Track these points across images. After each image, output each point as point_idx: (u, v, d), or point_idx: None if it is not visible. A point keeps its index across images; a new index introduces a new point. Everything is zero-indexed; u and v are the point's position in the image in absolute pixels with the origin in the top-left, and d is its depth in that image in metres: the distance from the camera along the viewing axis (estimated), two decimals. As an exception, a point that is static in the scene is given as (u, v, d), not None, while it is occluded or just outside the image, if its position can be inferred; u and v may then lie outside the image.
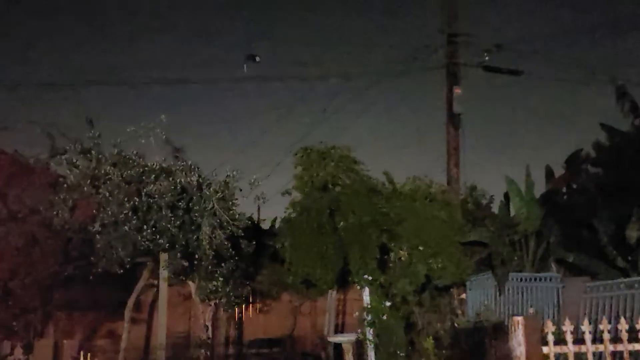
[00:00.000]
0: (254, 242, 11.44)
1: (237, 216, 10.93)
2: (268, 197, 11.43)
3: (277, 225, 14.73)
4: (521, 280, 12.80)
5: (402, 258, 11.77)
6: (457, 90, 14.13)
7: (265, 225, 17.98)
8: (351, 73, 15.04)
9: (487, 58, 14.26)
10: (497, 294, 13.00)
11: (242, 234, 10.95)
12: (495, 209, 15.31)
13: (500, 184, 14.30)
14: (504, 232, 12.93)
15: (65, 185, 10.22)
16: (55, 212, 9.85)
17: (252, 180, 11.04)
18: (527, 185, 13.68)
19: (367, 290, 11.93)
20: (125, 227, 10.05)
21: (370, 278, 11.62)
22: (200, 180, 10.80)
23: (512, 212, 14.05)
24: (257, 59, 13.72)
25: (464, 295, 13.13)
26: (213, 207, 10.64)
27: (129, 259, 10.26)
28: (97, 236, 10.17)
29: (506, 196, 14.08)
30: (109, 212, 10.06)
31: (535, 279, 12.68)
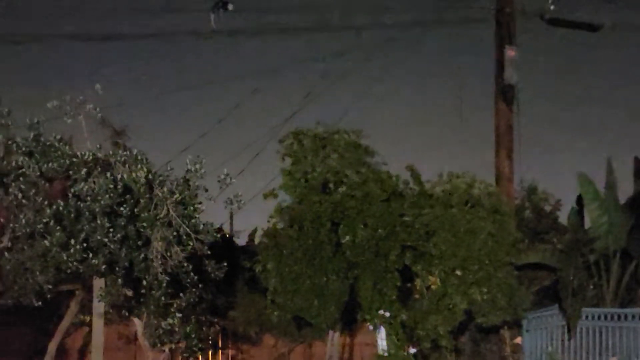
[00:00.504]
0: (226, 264, 11.29)
1: (201, 227, 10.87)
2: (244, 200, 11.24)
3: (257, 240, 14.86)
4: (600, 318, 13.06)
5: (433, 287, 12.01)
6: (511, 52, 14.41)
7: (241, 240, 18.25)
8: (362, 25, 15.24)
9: (552, 7, 14.51)
10: (566, 337, 13.23)
11: (209, 252, 10.92)
12: (563, 218, 15.55)
13: (570, 184, 14.50)
14: (575, 251, 13.19)
15: (-40, 183, 10.33)
16: (-54, 222, 9.96)
17: (222, 177, 10.91)
18: (608, 186, 13.94)
19: (383, 332, 12.13)
20: (46, 242, 10.04)
21: (387, 314, 11.86)
22: (150, 176, 10.76)
23: (588, 224, 14.28)
24: (230, 6, 13.96)
25: (519, 340, 13.34)
26: (168, 214, 10.64)
27: (50, 287, 10.27)
28: (6, 254, 10.21)
29: (579, 201, 14.32)
30: (23, 221, 10.06)
31: (620, 317, 12.93)
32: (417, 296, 12.47)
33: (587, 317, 13.10)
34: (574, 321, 12.90)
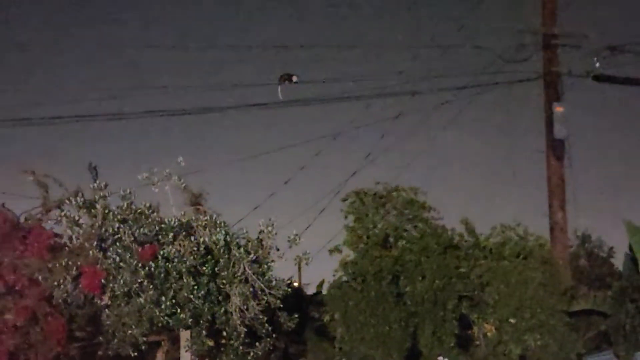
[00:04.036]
0: (296, 315, 12.26)
1: (274, 282, 11.85)
2: (311, 254, 12.24)
3: (324, 291, 15.76)
4: (654, 361, 13.74)
5: (489, 334, 13.04)
6: (559, 109, 15.38)
7: (310, 290, 19.28)
8: (416, 88, 16.47)
9: (597, 65, 15.51)
10: (624, 381, 13.94)
11: (281, 305, 11.85)
12: (619, 264, 16.33)
13: (624, 232, 15.36)
14: (626, 296, 13.94)
15: (66, 248, 11.56)
16: (56, 283, 11.08)
17: (292, 237, 12.00)
18: (657, 233, 14.73)
19: (443, 377, 13.16)
20: (140, 300, 11.09)
21: (446, 360, 12.93)
22: (228, 238, 11.81)
23: (642, 269, 15.01)
24: (295, 78, 15.39)
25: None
26: (244, 271, 11.63)
27: (144, 339, 11.26)
28: (107, 311, 11.31)
29: (632, 248, 15.12)
30: (121, 281, 11.13)
31: (675, 361, 13.60)
32: (477, 342, 13.51)
33: (641, 360, 13.77)
34: (626, 364, 13.63)
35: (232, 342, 11.84)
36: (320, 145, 17.46)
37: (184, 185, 12.27)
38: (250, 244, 12.10)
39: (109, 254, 11.54)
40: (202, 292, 11.53)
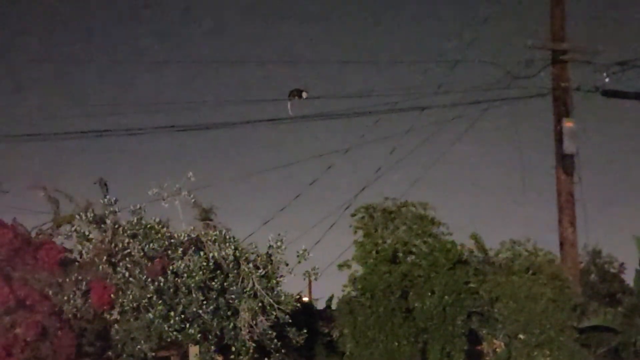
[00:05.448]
0: (305, 331, 12.35)
1: (282, 298, 11.96)
2: (320, 270, 12.33)
3: (333, 306, 15.73)
4: (666, 379, 13.67)
5: (498, 350, 13.03)
6: (569, 124, 15.37)
7: (320, 305, 19.32)
8: (426, 103, 16.55)
9: (607, 80, 15.53)
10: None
11: (290, 320, 11.97)
12: (630, 280, 16.29)
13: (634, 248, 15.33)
14: (637, 312, 13.92)
15: (76, 263, 11.72)
16: (65, 298, 11.20)
17: (301, 252, 12.13)
18: (667, 249, 14.70)
19: (452, 394, 13.15)
20: (149, 315, 11.21)
21: (455, 376, 12.90)
22: (237, 253, 11.93)
23: (651, 285, 14.99)
24: (305, 94, 15.50)
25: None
26: (253, 286, 11.75)
27: (153, 354, 11.39)
28: (116, 326, 11.42)
29: (642, 263, 15.11)
30: (130, 296, 11.25)
31: (686, 379, 13.53)
32: (487, 358, 13.49)
33: (652, 378, 13.70)
34: (638, 383, 13.56)
35: (240, 357, 11.91)
36: (330, 160, 17.54)
37: (193, 200, 12.45)
38: (259, 259, 12.22)
39: (118, 269, 11.66)
40: (211, 307, 11.63)
